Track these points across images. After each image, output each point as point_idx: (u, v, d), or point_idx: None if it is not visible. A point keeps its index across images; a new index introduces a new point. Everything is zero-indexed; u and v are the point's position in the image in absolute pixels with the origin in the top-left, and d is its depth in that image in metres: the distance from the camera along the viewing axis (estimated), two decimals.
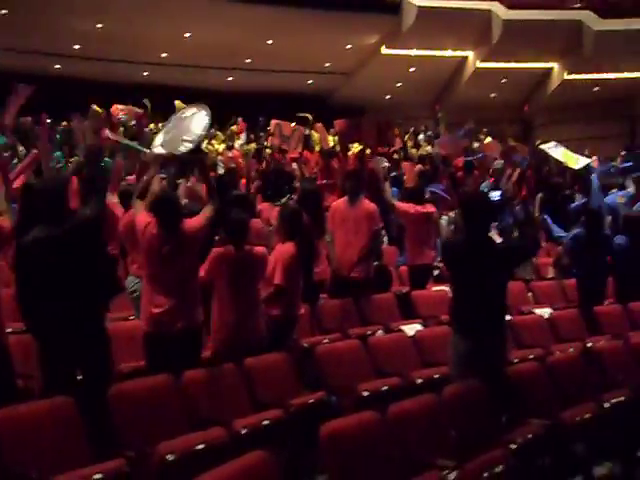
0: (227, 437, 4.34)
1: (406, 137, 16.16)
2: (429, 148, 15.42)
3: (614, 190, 10.85)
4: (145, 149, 6.01)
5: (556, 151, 11.27)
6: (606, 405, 5.33)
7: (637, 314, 7.45)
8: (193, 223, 5.09)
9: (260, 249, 5.62)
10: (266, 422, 4.60)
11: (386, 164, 11.86)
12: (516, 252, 5.46)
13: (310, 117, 13.55)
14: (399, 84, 19.58)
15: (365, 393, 5.14)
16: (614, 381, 5.77)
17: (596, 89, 18.53)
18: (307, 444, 4.15)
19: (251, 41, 16.67)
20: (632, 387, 5.53)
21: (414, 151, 15.94)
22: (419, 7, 16.53)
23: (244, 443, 4.24)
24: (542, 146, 12.09)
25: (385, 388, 5.25)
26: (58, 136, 10.81)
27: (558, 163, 12.06)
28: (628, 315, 7.53)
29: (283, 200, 8.25)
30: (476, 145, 15.58)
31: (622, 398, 5.45)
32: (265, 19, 15.66)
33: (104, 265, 5.00)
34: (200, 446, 4.18)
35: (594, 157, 11.73)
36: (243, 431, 4.43)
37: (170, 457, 4.02)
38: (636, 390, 5.52)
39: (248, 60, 18.02)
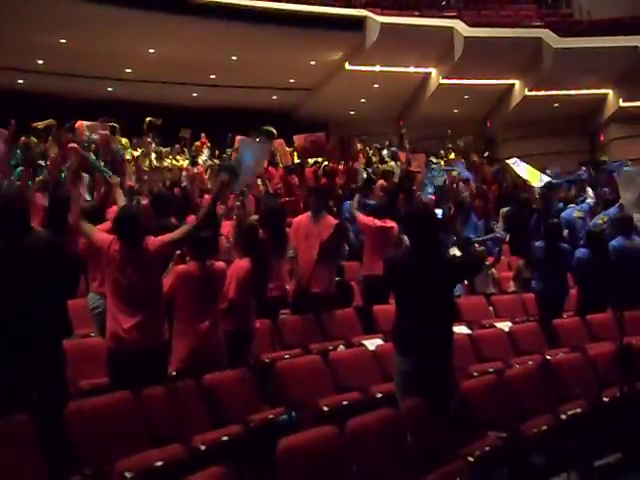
0: (186, 453, 4.34)
1: (370, 152, 16.23)
2: (393, 164, 15.50)
3: (572, 205, 11.03)
4: (109, 173, 6.06)
5: (519, 167, 11.47)
6: (563, 416, 5.41)
7: (596, 326, 7.55)
8: (156, 240, 5.09)
9: (220, 265, 5.64)
10: (225, 438, 4.60)
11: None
12: (461, 269, 5.32)
13: (274, 131, 13.59)
14: (363, 100, 19.70)
15: (325, 408, 5.17)
16: (572, 393, 5.86)
17: (556, 105, 18.81)
18: (265, 460, 4.15)
19: (215, 57, 16.68)
20: (589, 398, 5.62)
21: (381, 167, 16.03)
22: (382, 24, 16.68)
23: (203, 459, 4.24)
24: (508, 161, 12.28)
25: (345, 403, 5.28)
26: (18, 151, 10.70)
27: (519, 179, 12.25)
28: (587, 327, 7.64)
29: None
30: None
31: (579, 409, 5.53)
32: (229, 35, 15.69)
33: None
34: (159, 463, 4.18)
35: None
36: (202, 447, 4.43)
37: (128, 474, 4.01)
38: (593, 401, 5.60)
39: (213, 76, 18.03)
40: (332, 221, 7.32)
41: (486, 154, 17.49)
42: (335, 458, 4.05)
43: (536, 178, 11.44)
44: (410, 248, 4.99)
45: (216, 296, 5.56)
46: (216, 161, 13.98)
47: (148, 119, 13.32)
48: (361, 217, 8.16)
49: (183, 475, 3.57)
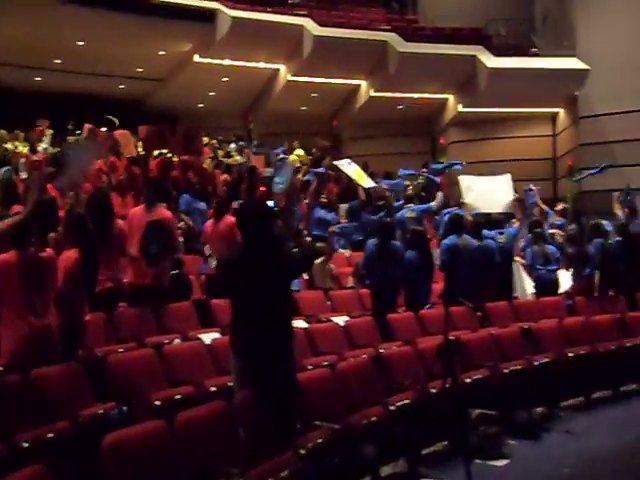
0: (7, 451, 4.17)
1: (214, 145, 16.18)
2: (239, 158, 15.52)
3: (411, 205, 11.43)
4: None
5: (349, 168, 11.80)
6: (392, 407, 5.61)
7: (427, 321, 7.88)
8: None
9: (49, 253, 5.45)
10: (51, 435, 4.45)
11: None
12: (297, 263, 5.29)
13: (116, 121, 13.28)
14: (212, 93, 19.57)
15: (157, 402, 5.10)
16: (402, 384, 6.08)
17: (400, 107, 19.40)
18: (92, 456, 4.05)
19: (61, 41, 16.06)
20: (417, 389, 5.85)
21: (226, 160, 16.00)
22: (233, 18, 16.62)
23: (27, 457, 4.09)
24: (336, 162, 12.59)
25: (178, 397, 5.23)
26: None
27: (349, 179, 12.59)
28: (419, 322, 7.96)
29: None
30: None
31: (407, 400, 5.75)
32: (76, 19, 15.14)
33: None
34: None
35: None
36: (25, 445, 4.26)
37: None
38: (420, 392, 5.84)
39: (57, 60, 17.35)
40: (165, 214, 7.25)
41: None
42: (164, 453, 3.99)
43: (363, 180, 11.83)
44: (244, 244, 4.88)
45: (46, 286, 5.36)
46: (57, 149, 13.51)
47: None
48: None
49: (4, 474, 3.43)
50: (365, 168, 13.88)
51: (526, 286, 9.98)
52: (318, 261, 9.43)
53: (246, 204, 5.72)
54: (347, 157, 17.61)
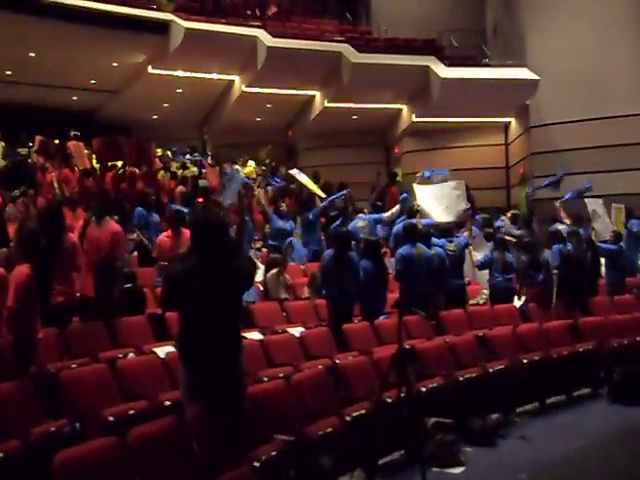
0: None
1: (168, 157, 16.11)
2: (195, 169, 15.45)
3: (360, 215, 11.51)
4: None
5: (300, 176, 11.86)
6: (348, 418, 5.62)
7: (382, 331, 7.90)
8: None
9: None
10: (0, 454, 4.37)
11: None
12: (246, 275, 5.13)
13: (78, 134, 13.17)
14: (166, 104, 19.44)
15: (111, 418, 5.04)
16: (358, 395, 6.09)
17: (354, 117, 19.48)
18: (43, 475, 3.98)
19: (12, 52, 15.82)
20: (373, 399, 5.86)
21: (180, 172, 15.94)
22: (186, 29, 16.54)
23: None
24: (290, 171, 12.63)
25: (132, 412, 5.17)
26: None
27: (303, 187, 12.63)
28: (374, 331, 7.98)
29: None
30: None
31: (363, 411, 5.76)
32: (27, 30, 14.94)
33: None
34: None
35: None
36: None
37: None
38: (376, 402, 5.85)
39: (8, 72, 17.10)
40: (114, 228, 7.19)
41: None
42: (117, 469, 3.95)
43: (315, 188, 11.90)
44: (197, 257, 4.77)
45: None
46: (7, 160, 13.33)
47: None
48: None
49: None
50: (316, 178, 13.95)
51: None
52: (273, 272, 9.42)
53: (202, 215, 5.66)
54: (301, 168, 17.73)
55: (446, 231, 9.87)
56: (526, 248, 9.98)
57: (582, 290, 10.21)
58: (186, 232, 8.06)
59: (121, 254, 7.25)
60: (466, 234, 10.19)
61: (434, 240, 9.38)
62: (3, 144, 14.32)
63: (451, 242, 9.55)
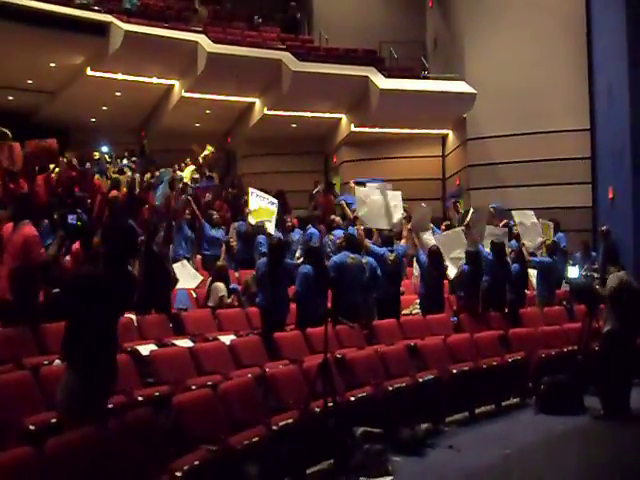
0: None
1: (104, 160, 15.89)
2: (130, 174, 15.23)
3: None
4: None
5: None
6: (275, 427, 5.59)
7: (314, 339, 7.88)
8: None
9: None
10: None
11: None
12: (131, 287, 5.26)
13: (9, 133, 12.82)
14: (105, 107, 19.16)
15: (31, 427, 4.91)
16: (286, 404, 6.07)
17: (294, 126, 19.48)
18: None
19: None
20: (301, 409, 5.85)
21: (118, 177, 15.71)
22: (126, 32, 16.31)
23: None
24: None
25: (54, 420, 5.03)
26: None
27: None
28: (307, 340, 7.97)
29: None
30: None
31: (290, 420, 5.75)
32: None
33: None
34: None
35: None
36: None
37: None
38: (304, 411, 5.84)
39: None
40: (28, 232, 7.01)
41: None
42: None
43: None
44: (104, 263, 4.88)
45: None
46: None
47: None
48: None
49: None
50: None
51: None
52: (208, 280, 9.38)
53: (113, 225, 5.68)
54: (241, 175, 17.69)
55: (386, 241, 9.88)
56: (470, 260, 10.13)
57: (511, 301, 10.42)
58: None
59: (36, 258, 6.98)
60: (404, 242, 10.24)
61: (374, 249, 9.41)
62: None
63: (392, 252, 9.58)
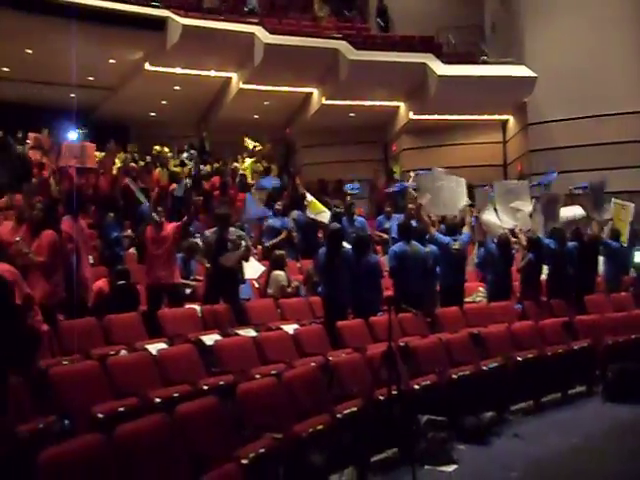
0: None
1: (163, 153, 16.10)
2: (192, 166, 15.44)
3: None
4: None
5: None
6: (339, 415, 5.60)
7: (377, 328, 7.87)
8: None
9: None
10: None
11: None
12: None
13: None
14: (164, 102, 19.38)
15: (100, 415, 5.01)
16: (350, 392, 6.07)
17: (352, 115, 19.42)
18: (28, 473, 3.96)
19: (8, 49, 15.79)
20: (365, 397, 5.85)
21: (178, 169, 15.93)
22: (184, 26, 16.48)
23: None
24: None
25: (122, 409, 5.13)
26: None
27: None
28: (369, 329, 7.96)
29: None
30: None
31: (355, 408, 5.75)
32: (25, 27, 14.91)
33: None
34: None
35: None
36: None
37: None
38: (368, 399, 5.84)
39: (5, 69, 17.06)
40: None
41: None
42: (102, 467, 3.92)
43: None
44: None
45: None
46: None
47: None
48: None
49: None
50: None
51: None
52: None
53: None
54: (301, 165, 17.70)
55: (452, 229, 9.73)
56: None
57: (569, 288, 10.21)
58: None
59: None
60: (467, 231, 10.08)
61: (440, 237, 9.29)
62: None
63: (456, 240, 9.44)
